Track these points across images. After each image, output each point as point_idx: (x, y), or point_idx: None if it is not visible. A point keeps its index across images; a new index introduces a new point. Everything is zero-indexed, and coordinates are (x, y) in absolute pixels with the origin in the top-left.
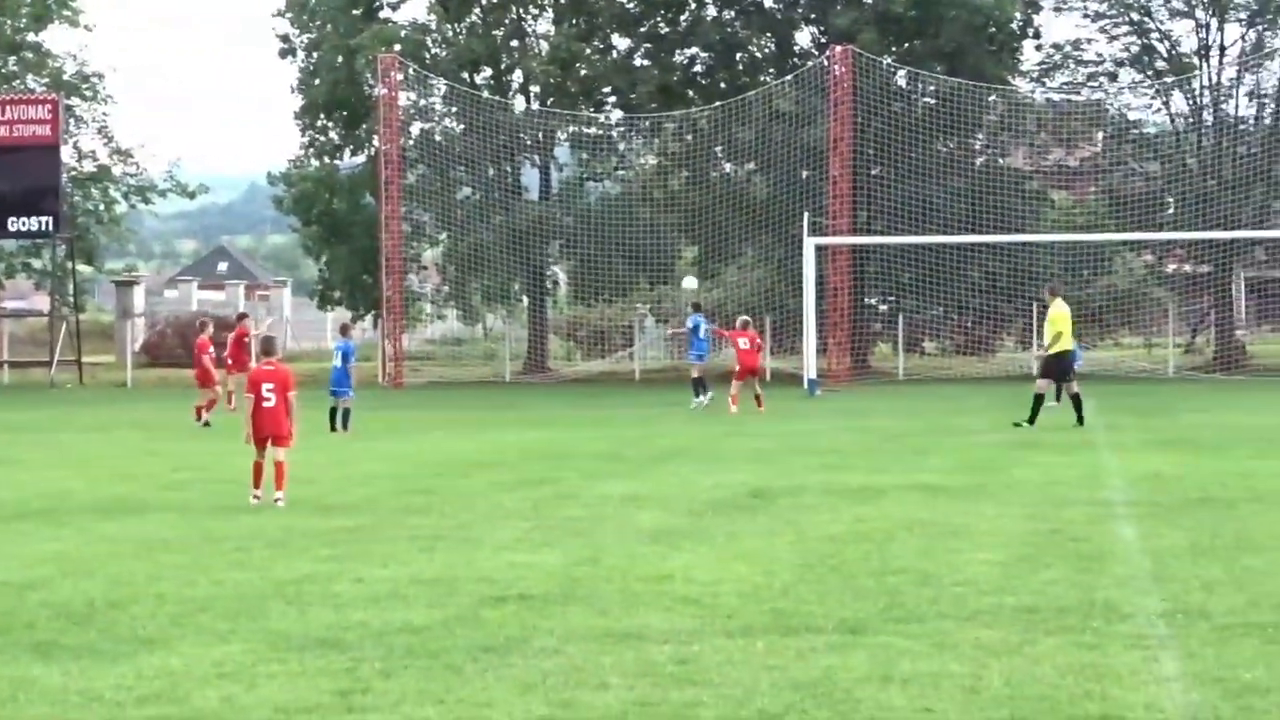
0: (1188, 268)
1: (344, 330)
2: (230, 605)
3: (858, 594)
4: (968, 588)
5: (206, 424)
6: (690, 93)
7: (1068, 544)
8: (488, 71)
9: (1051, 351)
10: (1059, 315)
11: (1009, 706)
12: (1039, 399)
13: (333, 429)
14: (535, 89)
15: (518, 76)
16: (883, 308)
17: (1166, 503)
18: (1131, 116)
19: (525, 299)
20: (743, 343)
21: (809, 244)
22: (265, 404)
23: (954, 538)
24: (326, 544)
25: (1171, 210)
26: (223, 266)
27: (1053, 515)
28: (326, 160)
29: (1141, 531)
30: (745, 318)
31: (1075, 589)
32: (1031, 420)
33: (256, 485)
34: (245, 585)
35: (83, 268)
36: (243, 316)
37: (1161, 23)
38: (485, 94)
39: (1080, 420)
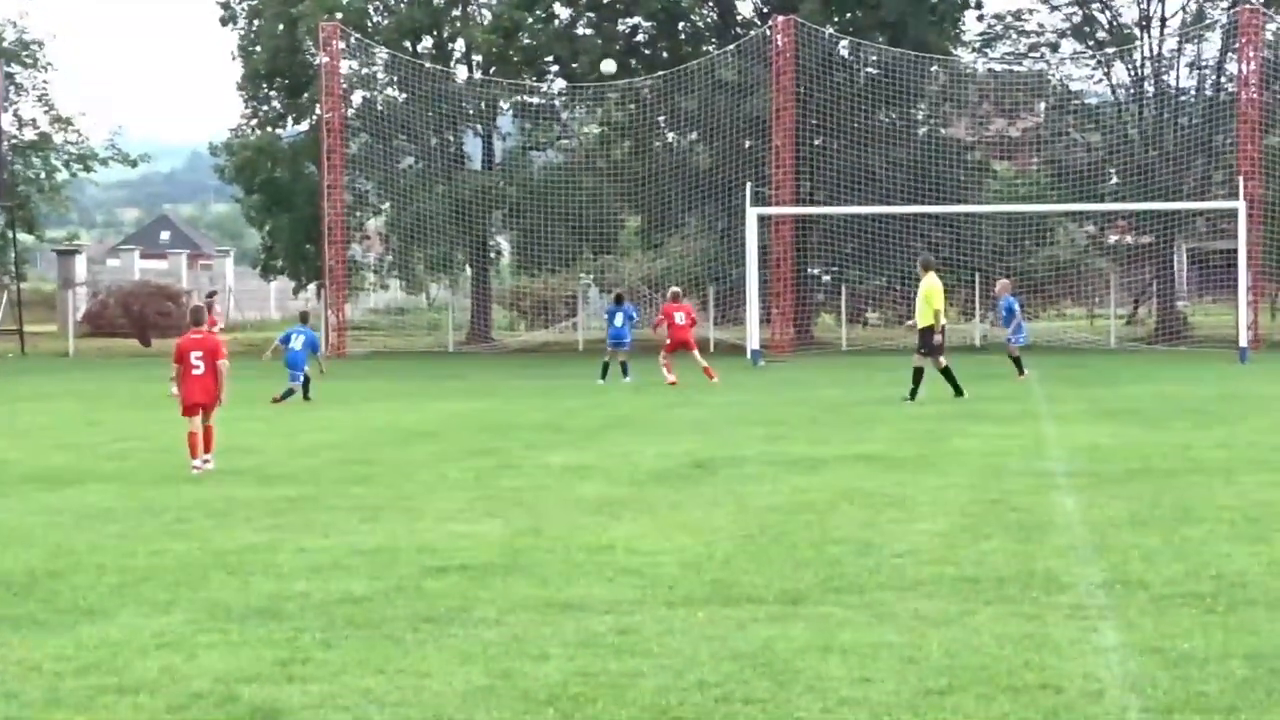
0: (1129, 239)
1: (304, 318)
2: (171, 575)
3: (798, 564)
4: (908, 558)
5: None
6: (633, 62)
7: (1008, 514)
8: (429, 40)
9: (924, 325)
10: (932, 290)
11: (947, 676)
12: (918, 372)
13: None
14: (478, 58)
15: (460, 45)
16: (826, 278)
17: (1107, 473)
18: (1073, 87)
19: (469, 269)
20: (679, 317)
21: (751, 214)
22: (194, 371)
23: (895, 508)
24: (269, 514)
25: (1114, 181)
26: (165, 235)
27: (994, 486)
28: (269, 129)
29: (1082, 502)
30: (676, 289)
31: (1015, 559)
32: (913, 395)
33: (194, 455)
34: (186, 555)
35: (23, 236)
36: (213, 294)
37: None
38: (427, 63)
39: (912, 395)
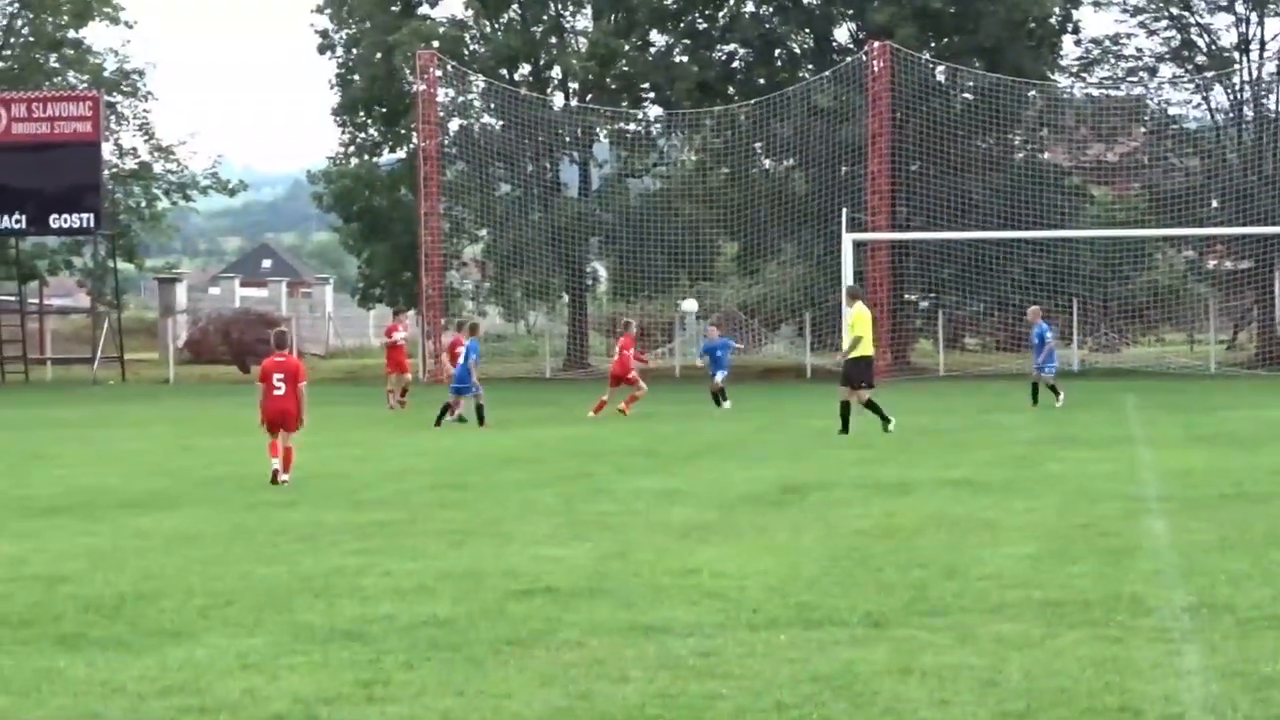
0: (1229, 264)
1: (473, 329)
2: (257, 598)
3: (882, 588)
4: (992, 581)
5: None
6: (729, 89)
7: (1097, 538)
8: (526, 68)
9: (852, 356)
10: (859, 318)
11: (1026, 698)
12: (845, 406)
13: (437, 424)
14: (574, 85)
15: (556, 72)
16: (923, 304)
17: (1199, 498)
18: (1171, 112)
19: (566, 295)
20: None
21: (847, 240)
22: (275, 392)
23: (982, 532)
24: (356, 538)
25: (1213, 206)
26: (266, 264)
27: (1084, 510)
28: (366, 157)
29: (1172, 526)
30: (627, 319)
31: (1101, 583)
32: (844, 429)
33: (274, 455)
34: (273, 579)
35: (124, 265)
36: (398, 313)
37: (1201, 17)
38: (523, 90)
39: (844, 428)
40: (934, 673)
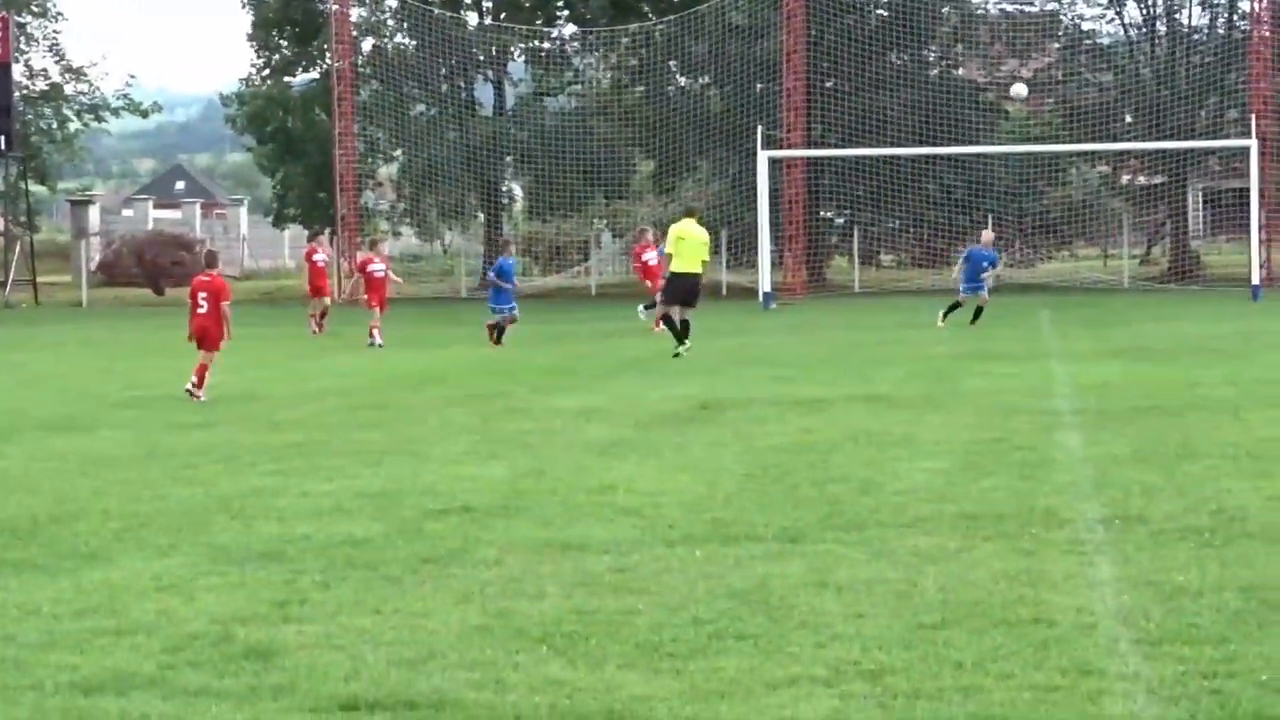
0: (1142, 179)
1: (504, 247)
2: (174, 520)
3: (799, 503)
4: (909, 496)
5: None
6: (644, 6)
7: (1011, 452)
8: None
9: (670, 271)
10: (675, 235)
11: (940, 611)
12: (669, 322)
13: (497, 342)
14: (488, 3)
15: None
16: (838, 221)
17: (1113, 411)
18: (1085, 27)
19: (481, 215)
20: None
21: (763, 157)
22: (199, 310)
23: (899, 447)
24: (274, 459)
25: (1127, 121)
26: (180, 185)
27: (999, 424)
28: (279, 78)
29: (1086, 439)
30: (643, 226)
31: (1016, 496)
32: (680, 341)
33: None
34: (190, 500)
35: (36, 187)
36: (316, 234)
37: None
38: (437, 9)
39: (679, 344)
40: (849, 586)
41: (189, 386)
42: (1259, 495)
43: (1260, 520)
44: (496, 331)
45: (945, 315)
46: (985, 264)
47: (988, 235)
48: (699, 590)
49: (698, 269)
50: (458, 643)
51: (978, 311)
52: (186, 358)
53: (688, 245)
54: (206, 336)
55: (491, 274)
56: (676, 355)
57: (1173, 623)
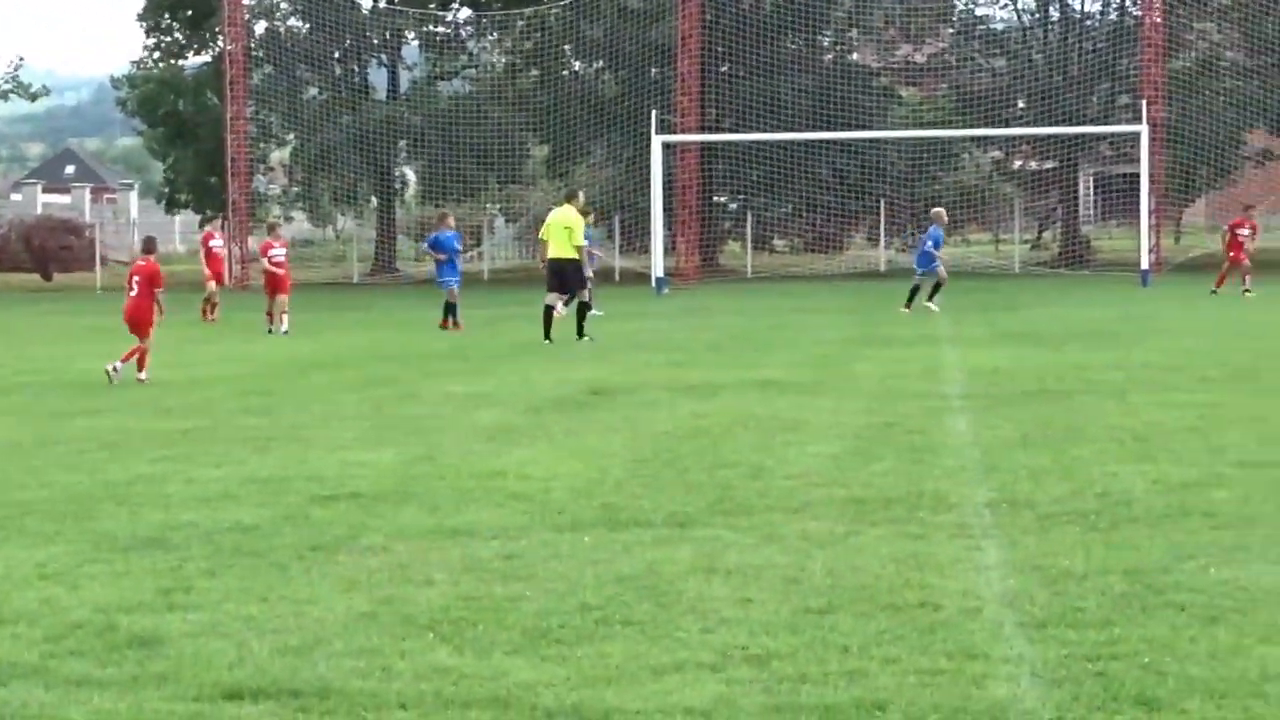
0: (1034, 164)
1: (442, 220)
2: (59, 507)
3: (689, 488)
4: (798, 481)
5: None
6: None
7: (901, 437)
8: None
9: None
10: (549, 220)
11: (828, 595)
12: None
13: (446, 325)
14: None
15: None
16: (732, 206)
17: (1002, 395)
18: (978, 12)
19: (374, 200)
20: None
21: (657, 142)
22: (130, 294)
23: (789, 432)
24: (161, 445)
25: (1019, 106)
26: (70, 170)
27: (888, 409)
28: (171, 61)
29: (975, 423)
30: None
31: (904, 481)
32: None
33: (136, 365)
34: (76, 487)
35: None
36: (210, 220)
37: None
38: None
39: (546, 335)
40: (738, 571)
41: (112, 370)
42: (1144, 479)
43: (1145, 504)
44: (449, 313)
45: (910, 302)
46: (929, 242)
47: (939, 213)
48: (587, 576)
49: (568, 254)
50: (344, 630)
51: (936, 288)
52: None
53: (553, 230)
54: (136, 321)
55: (426, 247)
56: (548, 341)
57: (1058, 606)
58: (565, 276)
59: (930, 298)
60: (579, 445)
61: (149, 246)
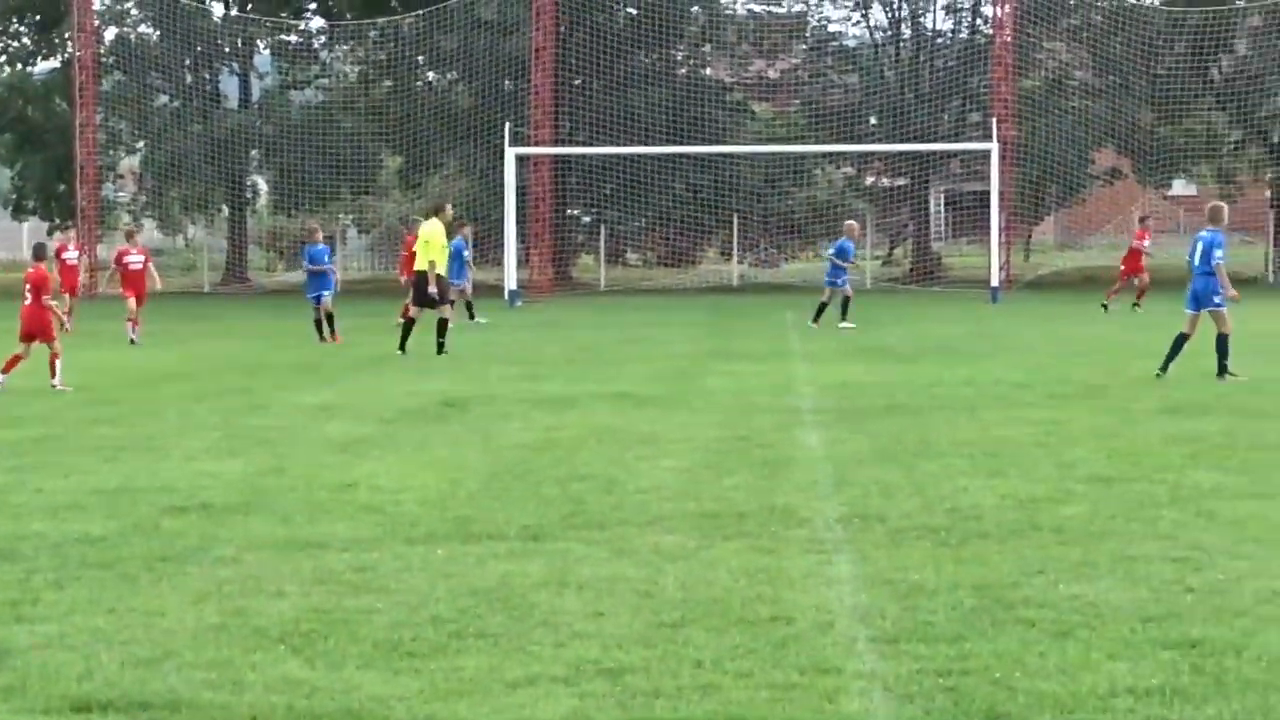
0: (886, 180)
1: (312, 234)
2: None
3: (542, 501)
4: (651, 494)
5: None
6: (393, 1)
7: (753, 451)
8: None
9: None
10: (419, 234)
11: (681, 609)
12: (407, 325)
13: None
14: None
15: None
16: (585, 219)
17: (854, 410)
18: (831, 29)
19: (225, 209)
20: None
21: (510, 154)
22: (24, 302)
23: (643, 445)
24: (10, 455)
25: (871, 123)
26: None
27: (742, 423)
28: (19, 66)
29: (826, 438)
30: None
31: (756, 495)
32: (401, 347)
33: (4, 370)
34: None
35: None
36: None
37: None
38: None
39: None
40: (590, 585)
41: (53, 384)
42: (994, 494)
43: (994, 519)
44: (321, 325)
45: (818, 317)
46: (835, 253)
47: (851, 225)
48: (439, 589)
49: (422, 267)
50: (194, 642)
51: (845, 304)
52: None
53: (418, 244)
54: (36, 328)
55: (306, 264)
56: (402, 352)
57: (909, 621)
58: (419, 290)
59: (844, 317)
60: (431, 457)
61: (39, 254)
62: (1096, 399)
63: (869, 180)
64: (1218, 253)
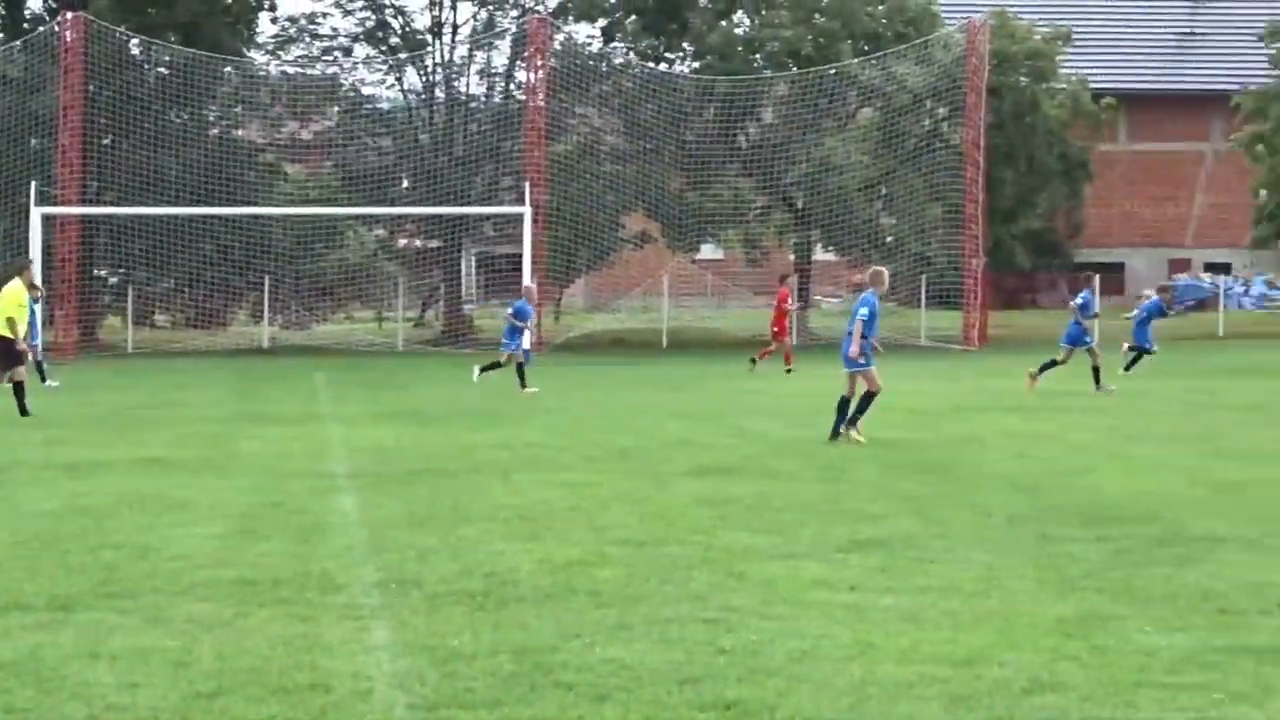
0: (419, 242)
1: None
2: None
3: (71, 570)
4: (184, 561)
5: None
6: None
7: (288, 516)
8: None
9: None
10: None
11: (217, 679)
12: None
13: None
14: None
15: None
16: (113, 280)
17: (389, 474)
18: (366, 91)
19: None
20: None
21: (36, 214)
22: None
23: (175, 511)
24: None
25: (405, 185)
26: None
27: (275, 488)
28: None
29: (362, 503)
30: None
31: (292, 561)
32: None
33: None
34: None
35: None
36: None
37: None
38: None
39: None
40: (124, 655)
41: None
42: (530, 558)
43: (531, 583)
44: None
45: (485, 371)
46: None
47: (529, 287)
48: None
49: (4, 330)
50: None
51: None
52: None
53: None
54: None
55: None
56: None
57: (448, 687)
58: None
59: (523, 384)
60: None
61: None
62: (630, 461)
63: (401, 242)
64: (862, 311)
